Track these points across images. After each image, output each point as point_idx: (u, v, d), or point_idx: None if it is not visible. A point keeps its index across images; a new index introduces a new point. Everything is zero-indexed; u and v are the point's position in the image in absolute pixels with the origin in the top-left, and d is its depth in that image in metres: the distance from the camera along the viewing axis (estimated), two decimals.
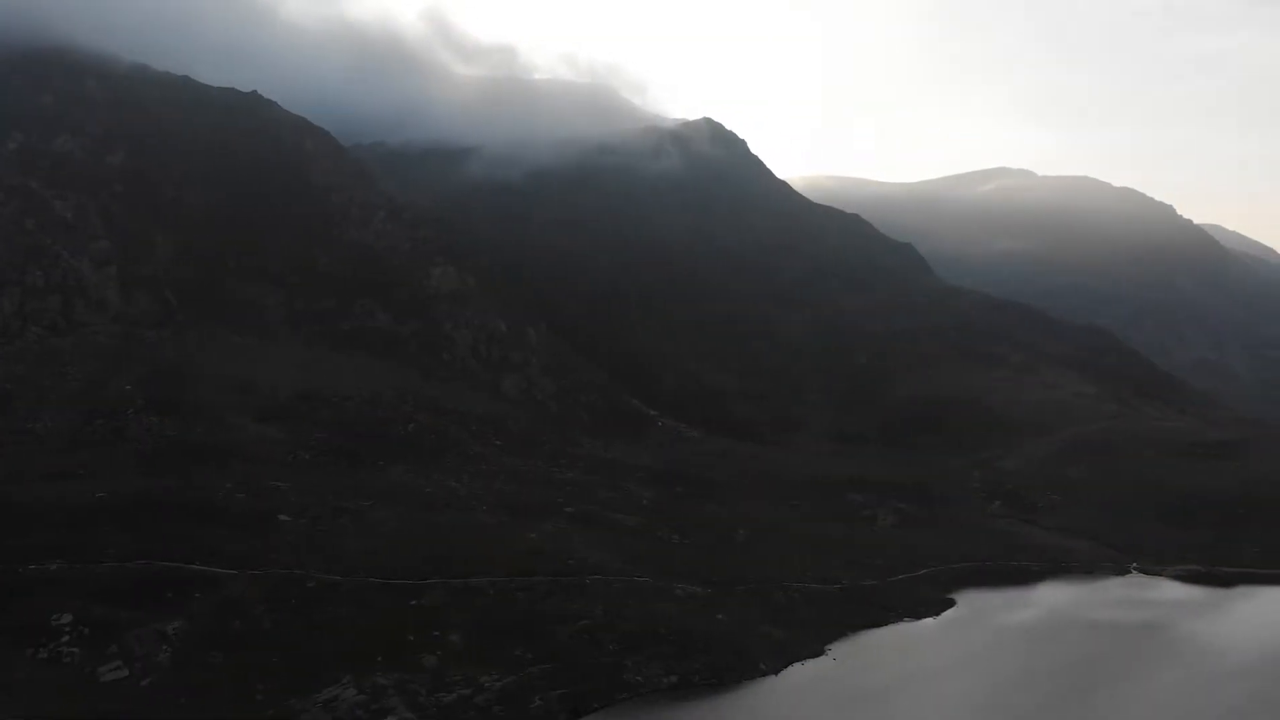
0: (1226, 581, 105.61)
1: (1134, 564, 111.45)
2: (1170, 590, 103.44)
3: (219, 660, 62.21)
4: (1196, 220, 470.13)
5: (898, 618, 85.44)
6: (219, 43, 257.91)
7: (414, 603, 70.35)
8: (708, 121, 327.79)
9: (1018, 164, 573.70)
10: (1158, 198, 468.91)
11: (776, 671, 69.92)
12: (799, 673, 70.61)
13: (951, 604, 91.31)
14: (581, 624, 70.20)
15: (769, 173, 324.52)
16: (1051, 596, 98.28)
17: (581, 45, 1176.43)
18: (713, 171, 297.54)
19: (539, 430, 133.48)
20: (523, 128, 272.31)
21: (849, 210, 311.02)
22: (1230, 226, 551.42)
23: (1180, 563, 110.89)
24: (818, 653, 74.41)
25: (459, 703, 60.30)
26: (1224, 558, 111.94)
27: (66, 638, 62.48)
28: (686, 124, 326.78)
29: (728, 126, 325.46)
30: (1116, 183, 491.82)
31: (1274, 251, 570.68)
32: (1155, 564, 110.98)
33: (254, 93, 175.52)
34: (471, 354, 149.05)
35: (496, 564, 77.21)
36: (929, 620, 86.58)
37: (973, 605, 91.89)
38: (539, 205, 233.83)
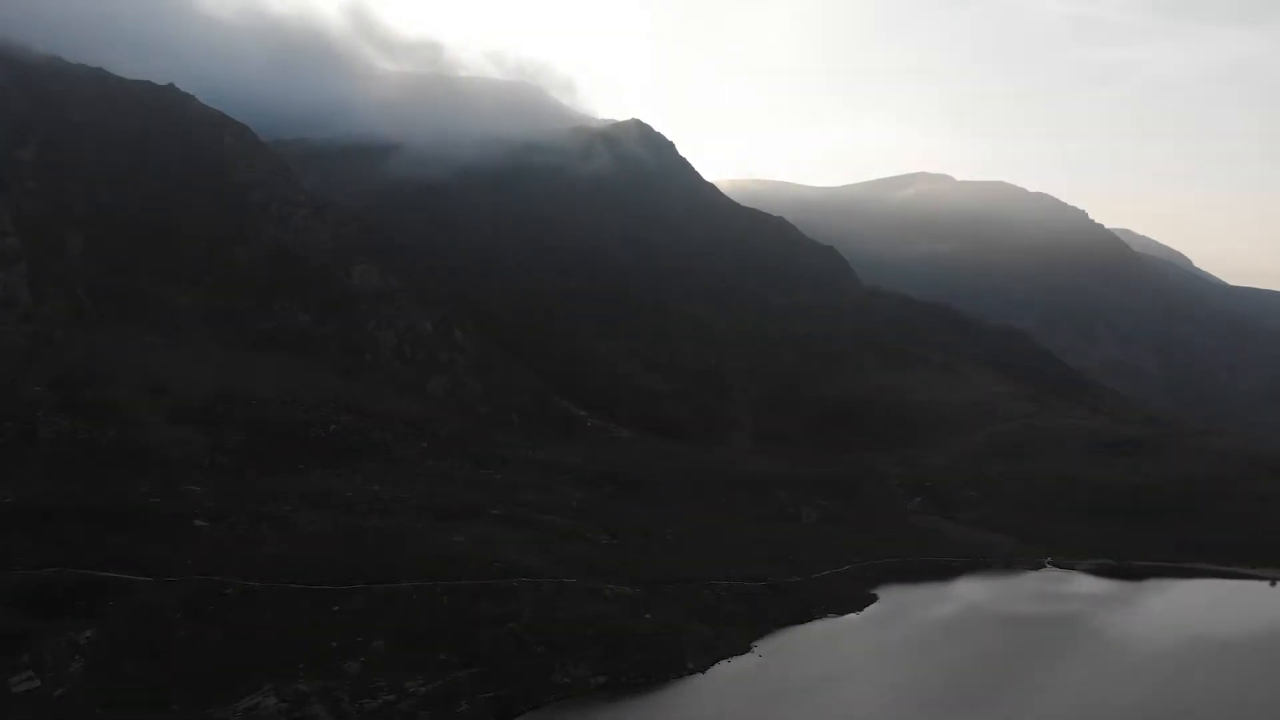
0: (1138, 575, 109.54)
1: (1049, 558, 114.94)
2: (1084, 584, 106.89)
3: (133, 670, 60.23)
4: (1107, 225, 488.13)
5: (822, 613, 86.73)
6: (135, 35, 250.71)
7: (336, 608, 69.01)
8: (637, 123, 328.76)
9: (936, 169, 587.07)
10: (1070, 203, 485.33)
11: (704, 669, 70.39)
12: (726, 670, 71.20)
13: (874, 599, 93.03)
14: (509, 627, 69.70)
15: (697, 175, 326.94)
16: (970, 591, 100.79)
17: (509, 43, 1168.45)
18: (642, 173, 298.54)
19: (466, 432, 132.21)
20: (448, 125, 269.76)
21: (774, 213, 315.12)
22: (1139, 231, 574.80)
23: (1093, 556, 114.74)
24: (744, 650, 75.12)
25: (383, 708, 59.38)
26: (1135, 552, 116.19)
27: None
28: (616, 125, 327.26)
29: (656, 129, 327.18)
30: (1031, 188, 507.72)
31: (1181, 255, 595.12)
32: (1070, 558, 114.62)
33: (171, 86, 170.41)
34: (395, 355, 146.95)
35: (421, 568, 76.17)
36: (852, 616, 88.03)
37: (894, 600, 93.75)
38: (465, 204, 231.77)
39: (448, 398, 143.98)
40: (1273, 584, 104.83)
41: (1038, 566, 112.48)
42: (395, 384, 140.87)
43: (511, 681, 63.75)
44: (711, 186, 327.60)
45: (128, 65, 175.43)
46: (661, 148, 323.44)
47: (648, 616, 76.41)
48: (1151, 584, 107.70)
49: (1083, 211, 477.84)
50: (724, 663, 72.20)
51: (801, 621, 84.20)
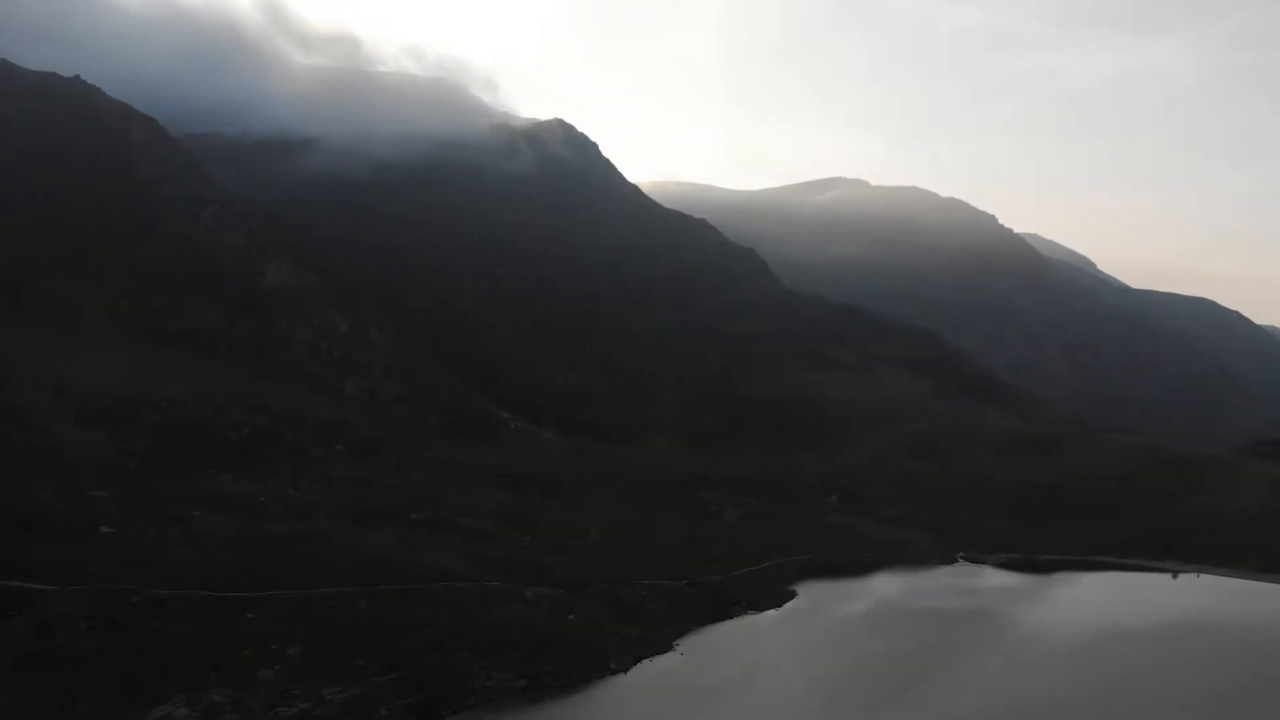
0: (1045, 569, 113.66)
1: (961, 553, 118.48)
2: (994, 578, 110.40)
3: (38, 682, 57.76)
4: (1016, 229, 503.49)
5: (742, 611, 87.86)
6: (38, 24, 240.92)
7: (250, 615, 67.23)
8: (560, 122, 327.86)
9: (854, 174, 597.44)
10: (981, 207, 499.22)
11: (626, 669, 70.59)
12: (648, 669, 71.52)
13: (793, 595, 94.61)
14: (429, 631, 68.84)
15: (620, 176, 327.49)
16: (885, 586, 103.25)
17: (429, 39, 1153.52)
18: (565, 172, 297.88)
19: (383, 434, 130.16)
20: (366, 121, 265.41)
21: (696, 215, 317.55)
22: (1047, 235, 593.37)
23: (1003, 551, 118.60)
24: (666, 648, 75.58)
25: (299, 716, 58.08)
26: (1043, 546, 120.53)
27: None
28: (539, 124, 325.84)
29: (579, 129, 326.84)
30: (944, 193, 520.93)
31: (1086, 259, 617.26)
32: (980, 553, 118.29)
33: (76, 77, 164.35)
34: (310, 355, 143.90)
35: (338, 573, 74.71)
36: (772, 612, 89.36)
37: (813, 596, 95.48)
38: (384, 201, 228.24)
39: (364, 399, 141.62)
40: (1175, 576, 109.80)
41: (950, 562, 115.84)
42: (310, 385, 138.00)
43: (432, 686, 63.01)
44: (634, 188, 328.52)
45: (31, 55, 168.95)
46: (585, 148, 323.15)
47: (570, 618, 76.33)
48: (1059, 577, 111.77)
49: (993, 216, 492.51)
50: (646, 662, 72.53)
51: (722, 619, 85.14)
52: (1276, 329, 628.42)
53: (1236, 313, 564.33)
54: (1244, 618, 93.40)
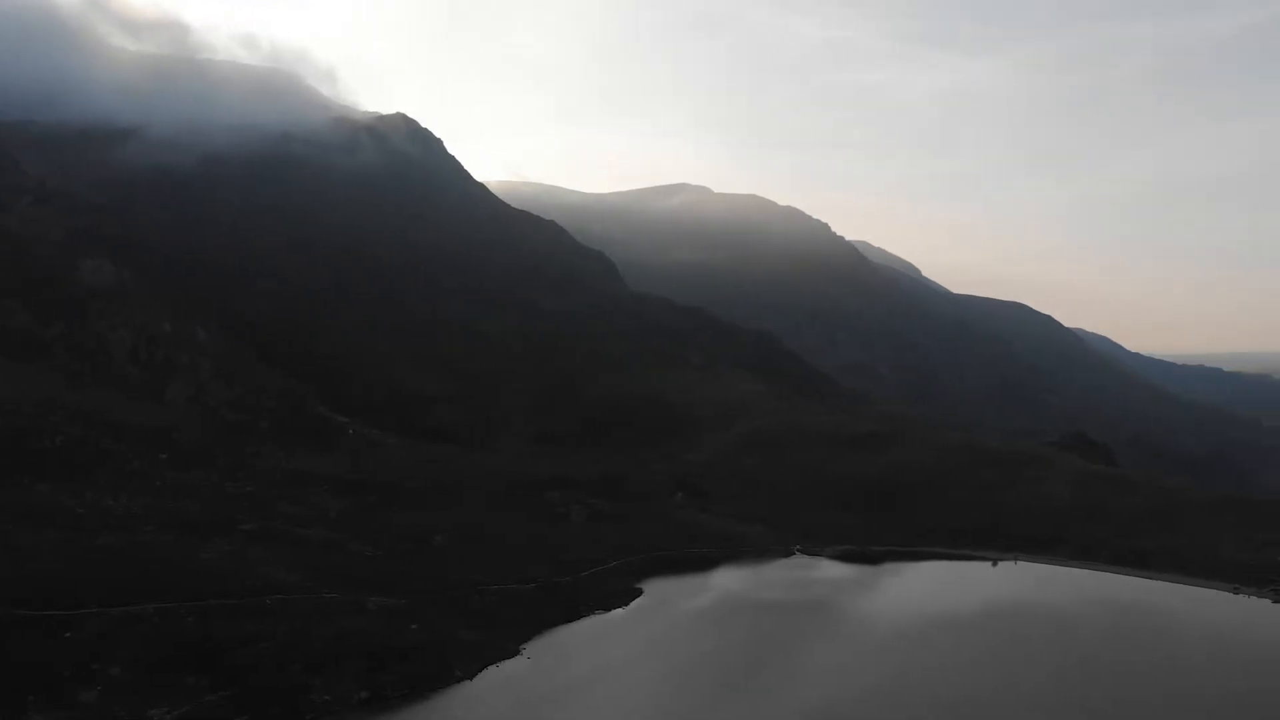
0: (876, 559, 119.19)
1: (798, 546, 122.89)
2: (829, 569, 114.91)
3: None
4: (848, 237, 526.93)
5: (590, 611, 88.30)
6: None
7: (68, 634, 62.58)
8: (403, 117, 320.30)
9: (698, 180, 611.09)
10: (816, 216, 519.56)
11: (472, 676, 69.67)
12: (494, 675, 70.80)
13: (639, 593, 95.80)
14: (263, 646, 65.83)
15: (467, 175, 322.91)
16: (727, 580, 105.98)
17: (263, 28, 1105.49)
18: (409, 169, 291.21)
19: (211, 441, 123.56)
20: (195, 111, 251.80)
21: (546, 216, 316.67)
22: (875, 243, 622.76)
23: (837, 543, 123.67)
24: (513, 653, 75.03)
25: None
26: (874, 537, 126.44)
27: None
28: (381, 118, 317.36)
29: (423, 124, 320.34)
30: (782, 201, 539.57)
31: (911, 265, 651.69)
32: (816, 545, 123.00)
33: None
34: (130, 358, 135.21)
35: (164, 588, 70.46)
36: (619, 611, 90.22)
37: (658, 593, 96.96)
38: (214, 195, 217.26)
39: (190, 404, 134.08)
40: (994, 564, 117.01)
41: (788, 554, 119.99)
42: (129, 390, 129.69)
43: (267, 702, 60.37)
44: (482, 186, 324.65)
45: None
46: (430, 144, 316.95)
47: (414, 627, 74.64)
48: (888, 567, 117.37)
49: (826, 224, 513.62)
50: (493, 668, 71.79)
51: (570, 620, 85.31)
52: (1085, 332, 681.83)
53: (1049, 316, 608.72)
54: (1057, 601, 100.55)
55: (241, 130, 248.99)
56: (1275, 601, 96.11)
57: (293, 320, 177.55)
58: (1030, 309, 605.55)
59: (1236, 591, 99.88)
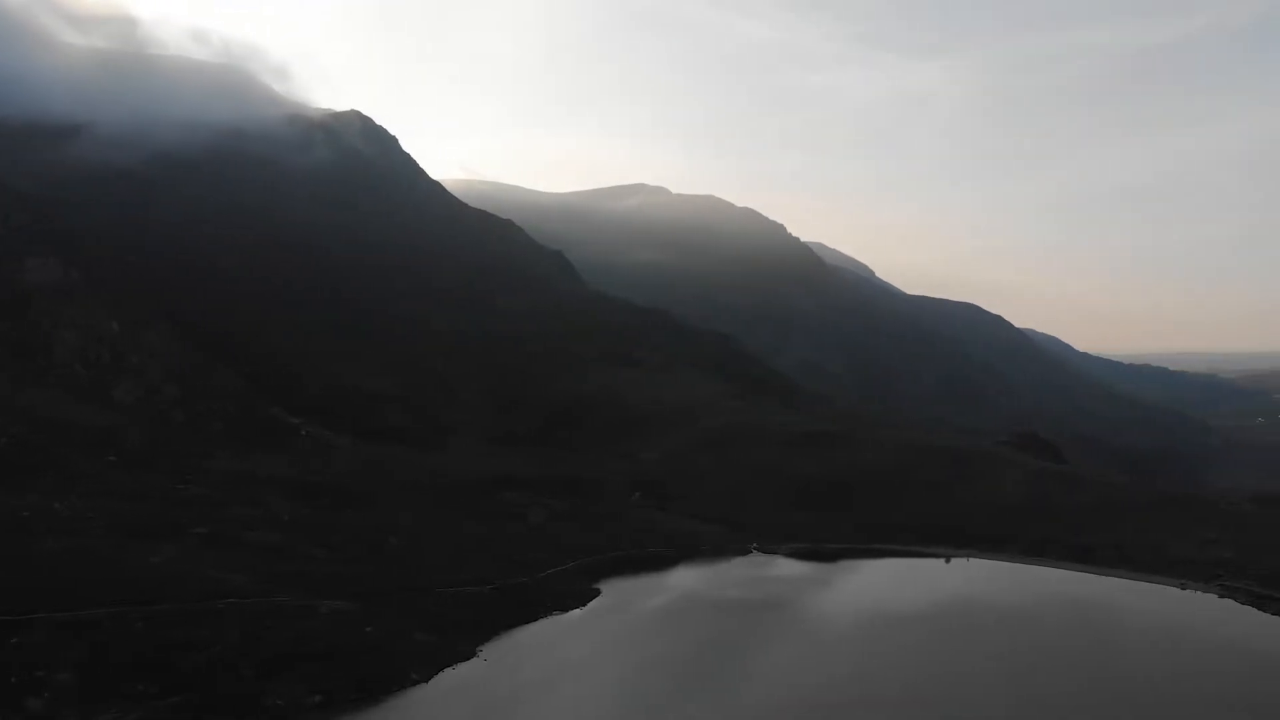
0: (831, 557, 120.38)
1: (754, 544, 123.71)
2: (785, 567, 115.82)
3: None
4: (803, 238, 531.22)
5: (547, 612, 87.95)
6: None
7: (14, 641, 61.07)
8: (358, 114, 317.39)
9: (656, 180, 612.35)
10: (771, 217, 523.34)
11: (427, 679, 69.08)
12: (450, 678, 70.26)
13: (597, 594, 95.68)
14: (214, 651, 64.80)
15: (422, 173, 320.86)
16: (685, 580, 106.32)
17: (215, 23, 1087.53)
18: (363, 167, 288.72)
19: (161, 443, 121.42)
20: (144, 107, 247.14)
21: (503, 215, 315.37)
22: (830, 244, 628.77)
23: (793, 541, 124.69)
24: (469, 655, 74.52)
25: None
26: (829, 535, 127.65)
27: None
28: (335, 115, 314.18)
29: (378, 122, 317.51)
30: (739, 203, 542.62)
31: (865, 266, 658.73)
32: (772, 543, 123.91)
33: None
34: (77, 358, 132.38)
35: (112, 592, 69.09)
36: (576, 612, 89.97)
37: (616, 594, 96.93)
38: (164, 193, 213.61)
39: (138, 405, 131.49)
40: (947, 561, 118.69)
41: (745, 553, 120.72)
42: (76, 391, 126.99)
43: (218, 707, 59.43)
44: (438, 185, 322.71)
45: None
46: (385, 142, 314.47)
47: (368, 630, 73.85)
48: (844, 564, 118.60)
49: (781, 225, 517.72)
50: (449, 670, 71.22)
51: (528, 622, 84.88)
52: (1034, 331, 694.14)
53: (999, 317, 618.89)
54: (1008, 597, 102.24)
55: (192, 127, 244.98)
56: (1221, 597, 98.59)
57: (244, 320, 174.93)
58: (981, 309, 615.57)
59: (1184, 587, 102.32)
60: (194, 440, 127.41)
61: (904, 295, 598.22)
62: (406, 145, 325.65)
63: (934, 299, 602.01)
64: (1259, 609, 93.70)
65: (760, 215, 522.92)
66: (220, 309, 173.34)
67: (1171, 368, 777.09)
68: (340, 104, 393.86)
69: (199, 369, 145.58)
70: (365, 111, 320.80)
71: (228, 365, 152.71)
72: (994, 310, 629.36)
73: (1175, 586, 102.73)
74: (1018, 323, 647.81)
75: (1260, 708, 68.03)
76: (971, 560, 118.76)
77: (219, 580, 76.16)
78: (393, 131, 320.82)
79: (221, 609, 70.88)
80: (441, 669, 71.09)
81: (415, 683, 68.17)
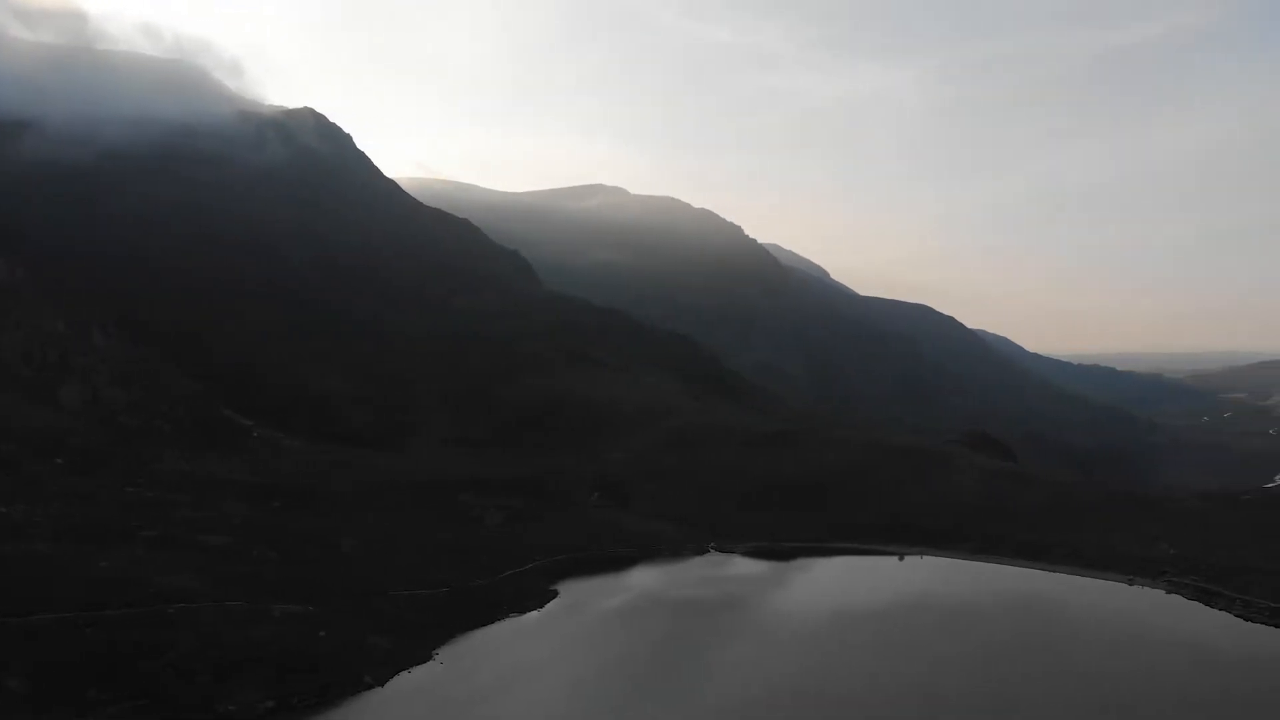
0: (787, 555, 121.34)
1: (712, 544, 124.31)
2: (743, 566, 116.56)
3: None
4: (760, 240, 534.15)
5: (505, 614, 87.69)
6: None
7: None
8: (312, 112, 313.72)
9: (613, 181, 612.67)
10: (729, 218, 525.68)
11: (382, 682, 68.62)
12: (406, 681, 69.86)
13: (555, 595, 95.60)
14: (166, 656, 63.83)
15: (378, 171, 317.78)
16: (643, 579, 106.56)
17: (166, 18, 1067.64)
18: (318, 165, 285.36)
19: (109, 446, 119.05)
20: (93, 103, 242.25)
21: (459, 215, 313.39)
22: (787, 246, 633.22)
23: (750, 540, 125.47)
24: (425, 658, 74.12)
25: None
26: (786, 534, 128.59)
27: None
28: (288, 113, 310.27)
29: (332, 119, 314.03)
30: (696, 204, 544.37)
31: (820, 268, 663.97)
32: (730, 542, 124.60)
33: None
34: (22, 360, 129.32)
35: (62, 598, 67.77)
36: (534, 613, 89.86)
37: (574, 594, 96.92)
38: (112, 191, 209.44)
39: (85, 408, 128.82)
40: (901, 559, 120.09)
41: (703, 552, 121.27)
42: (21, 393, 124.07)
43: (170, 713, 58.63)
44: (393, 184, 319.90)
45: None
46: (339, 139, 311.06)
47: (322, 634, 73.17)
48: (800, 563, 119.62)
49: (739, 227, 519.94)
50: (405, 674, 70.81)
51: (485, 624, 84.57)
52: (986, 332, 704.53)
53: (951, 318, 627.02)
54: (960, 593, 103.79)
55: (142, 123, 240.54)
56: (1169, 592, 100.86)
57: (195, 320, 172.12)
58: (934, 310, 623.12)
59: (1131, 583, 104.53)
60: (144, 443, 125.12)
61: (858, 296, 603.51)
62: (361, 143, 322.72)
63: (887, 300, 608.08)
64: (1205, 604, 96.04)
65: (718, 216, 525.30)
66: (172, 309, 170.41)
67: (1119, 368, 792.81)
68: (294, 101, 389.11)
69: (149, 370, 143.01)
70: (319, 109, 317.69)
71: (180, 367, 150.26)
72: (946, 311, 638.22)
73: (1123, 582, 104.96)
74: (969, 323, 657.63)
75: (1210, 705, 69.76)
76: (925, 557, 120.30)
77: (170, 584, 74.98)
78: (347, 129, 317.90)
79: (173, 613, 69.85)
80: (397, 672, 70.68)
81: (370, 686, 67.73)
